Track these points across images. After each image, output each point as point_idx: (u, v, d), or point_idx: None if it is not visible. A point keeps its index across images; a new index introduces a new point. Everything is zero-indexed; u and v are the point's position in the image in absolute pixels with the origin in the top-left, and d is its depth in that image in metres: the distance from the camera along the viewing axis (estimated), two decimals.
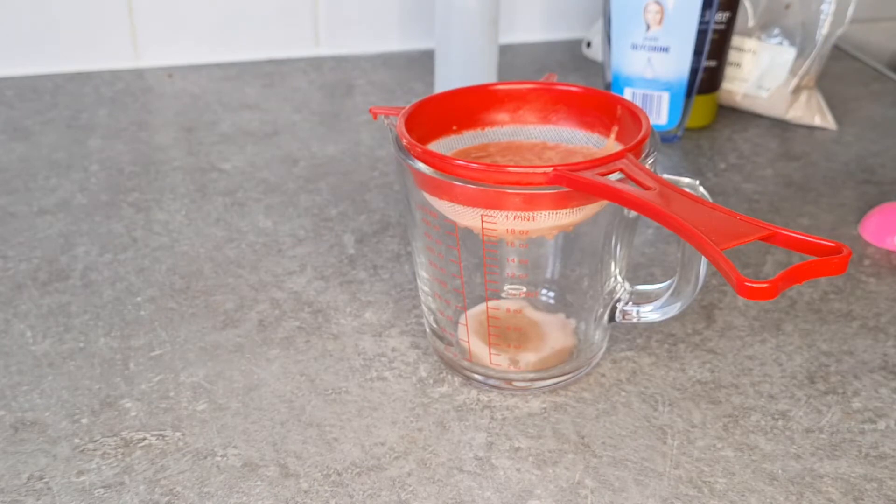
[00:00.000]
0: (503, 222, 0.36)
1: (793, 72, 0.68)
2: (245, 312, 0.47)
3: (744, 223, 0.32)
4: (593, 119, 0.42)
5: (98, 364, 0.43)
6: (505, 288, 0.43)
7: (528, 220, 0.36)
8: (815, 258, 0.31)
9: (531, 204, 0.35)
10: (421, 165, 0.37)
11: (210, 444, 0.38)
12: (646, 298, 0.41)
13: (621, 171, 0.35)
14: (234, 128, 0.68)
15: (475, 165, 0.35)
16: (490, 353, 0.41)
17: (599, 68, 0.80)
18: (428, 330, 0.44)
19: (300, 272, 0.50)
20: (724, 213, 0.33)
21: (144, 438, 0.39)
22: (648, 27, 0.62)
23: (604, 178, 0.34)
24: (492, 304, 0.41)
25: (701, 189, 0.36)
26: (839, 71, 0.79)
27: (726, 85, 0.70)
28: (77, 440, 0.38)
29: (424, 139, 0.41)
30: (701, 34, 0.63)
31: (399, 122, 0.39)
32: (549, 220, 0.36)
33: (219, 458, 0.38)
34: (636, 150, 0.37)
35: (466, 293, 0.41)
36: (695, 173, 0.62)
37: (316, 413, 0.40)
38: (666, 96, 0.64)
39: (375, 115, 0.41)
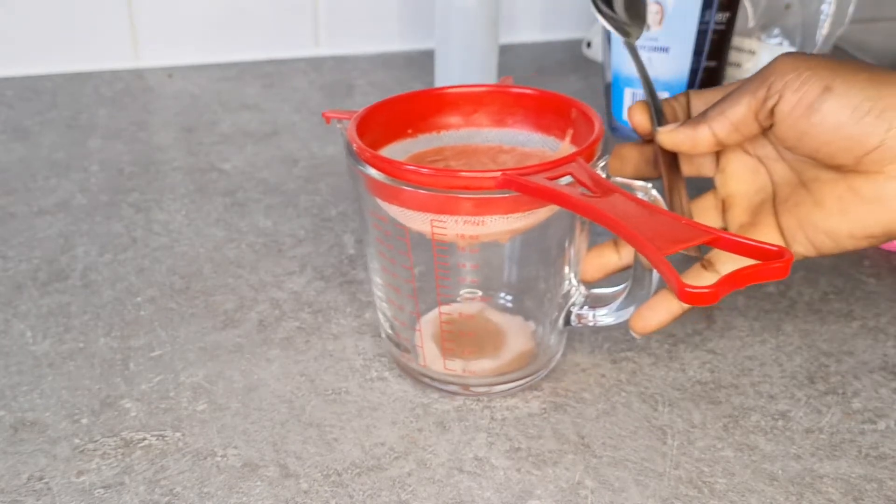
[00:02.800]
0: (453, 227, 0.36)
1: None
2: (245, 313, 0.47)
3: (688, 227, 0.32)
4: (549, 122, 0.42)
5: (98, 364, 0.43)
6: (461, 292, 0.42)
7: (478, 224, 0.36)
8: (757, 262, 0.31)
9: (480, 208, 0.35)
10: (370, 170, 0.36)
11: (210, 445, 0.38)
12: (601, 302, 0.41)
13: (571, 174, 0.35)
14: (234, 128, 0.68)
15: (424, 170, 0.35)
16: (444, 359, 0.41)
17: (599, 68, 0.80)
18: (384, 336, 0.43)
19: (300, 272, 0.50)
20: (670, 218, 0.32)
21: (144, 439, 0.39)
22: (648, 27, 0.62)
23: (551, 183, 0.34)
24: (446, 309, 0.41)
25: (653, 192, 0.36)
26: None
27: None
28: (77, 440, 0.38)
29: (378, 143, 0.40)
30: (701, 34, 0.63)
31: (350, 127, 0.38)
32: (500, 225, 0.36)
33: (219, 459, 0.38)
34: (587, 153, 0.36)
35: (422, 298, 0.41)
36: None
37: (316, 413, 0.40)
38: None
39: (328, 119, 0.41)
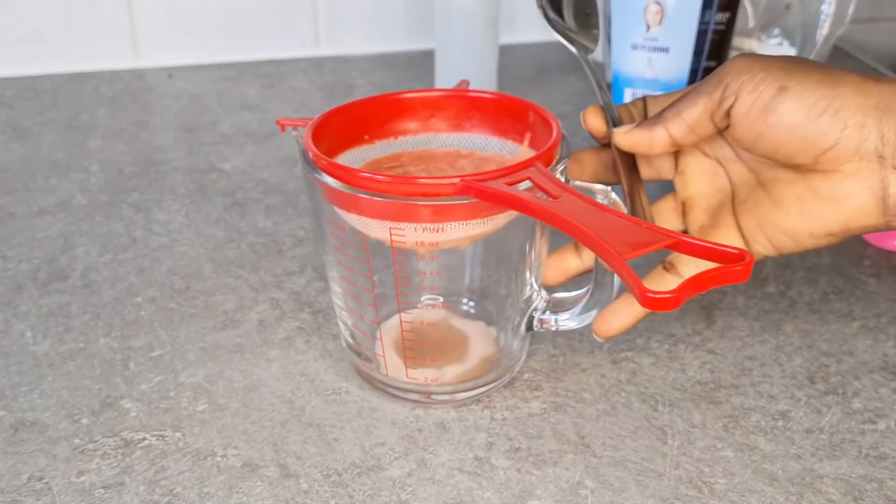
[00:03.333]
0: (412, 234, 0.36)
1: None
2: (245, 313, 0.47)
3: (648, 231, 0.32)
4: (507, 126, 0.42)
5: (98, 364, 0.43)
6: (422, 299, 0.42)
7: (437, 231, 0.35)
8: (718, 265, 0.31)
9: (439, 215, 0.35)
10: (328, 178, 0.36)
11: (210, 445, 0.38)
12: (563, 307, 0.41)
13: (529, 179, 0.35)
14: (234, 128, 0.68)
15: (381, 177, 0.34)
16: (406, 368, 0.40)
17: (600, 68, 0.80)
18: (344, 345, 0.43)
19: (300, 272, 0.50)
20: (630, 222, 0.32)
21: (144, 439, 0.39)
22: (648, 27, 0.62)
23: (510, 188, 0.34)
24: (407, 317, 0.40)
25: (613, 196, 0.36)
26: None
27: None
28: (77, 440, 0.38)
29: (335, 150, 0.40)
30: (701, 35, 0.63)
31: (306, 135, 0.38)
32: (459, 231, 0.36)
33: (219, 459, 0.38)
34: (546, 157, 0.36)
35: (382, 306, 0.40)
36: None
37: (316, 413, 0.40)
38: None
39: (283, 127, 0.40)
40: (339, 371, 0.43)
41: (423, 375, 0.40)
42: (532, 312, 0.41)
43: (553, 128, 0.38)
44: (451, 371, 0.41)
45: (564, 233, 0.33)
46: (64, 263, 0.51)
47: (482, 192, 0.34)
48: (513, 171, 0.35)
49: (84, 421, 0.40)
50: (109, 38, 0.77)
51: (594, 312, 0.39)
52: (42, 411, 0.40)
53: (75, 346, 0.44)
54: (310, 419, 0.40)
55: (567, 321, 0.40)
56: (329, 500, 0.36)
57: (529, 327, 0.41)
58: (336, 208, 0.37)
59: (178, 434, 0.39)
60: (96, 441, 0.38)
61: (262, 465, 0.37)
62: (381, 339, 0.41)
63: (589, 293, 0.39)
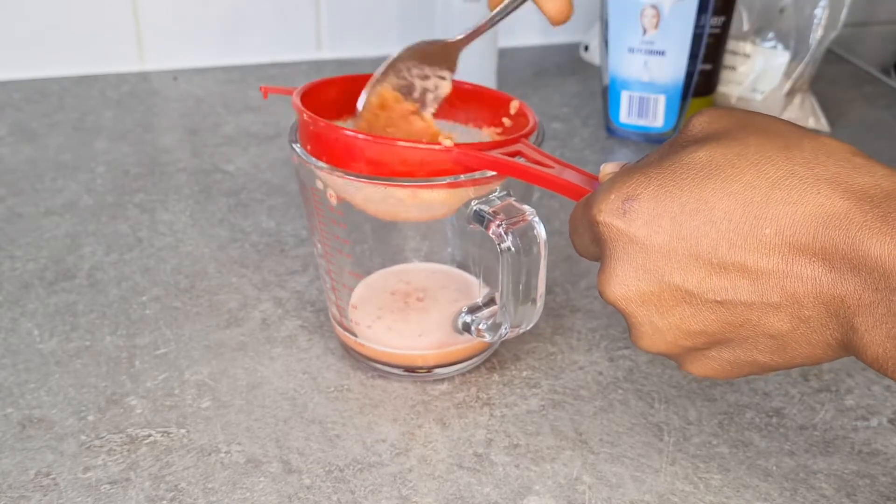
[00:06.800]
0: (391, 200, 0.37)
1: (787, 75, 0.68)
2: (248, 311, 0.48)
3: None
4: (481, 116, 0.43)
5: (104, 362, 0.44)
6: (407, 266, 0.43)
7: (413, 198, 0.37)
8: None
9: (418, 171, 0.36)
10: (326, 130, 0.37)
11: (214, 441, 0.39)
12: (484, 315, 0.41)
13: (520, 153, 0.37)
14: (238, 130, 0.69)
15: (376, 140, 0.36)
16: (389, 340, 0.41)
17: (597, 71, 0.81)
18: (331, 317, 0.44)
19: (302, 271, 0.51)
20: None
21: (150, 435, 0.39)
22: (645, 31, 0.63)
23: (509, 158, 0.36)
24: (394, 286, 0.41)
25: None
26: (832, 74, 0.80)
27: (722, 88, 0.71)
28: (83, 437, 0.39)
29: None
30: (696, 38, 0.63)
31: (295, 99, 0.39)
32: (437, 197, 0.37)
33: (223, 455, 0.38)
34: (527, 136, 0.38)
35: (365, 279, 0.42)
36: None
37: (318, 410, 0.41)
38: (662, 99, 0.65)
39: (266, 94, 0.41)
40: (341, 369, 0.43)
41: (405, 348, 0.41)
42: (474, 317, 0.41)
43: (530, 117, 0.40)
44: (431, 343, 0.41)
45: (565, 196, 0.35)
46: (70, 263, 0.52)
47: (482, 160, 0.36)
48: (504, 145, 0.37)
49: (90, 418, 0.40)
50: (115, 42, 0.78)
51: (503, 331, 0.38)
52: (49, 408, 0.41)
53: (82, 344, 0.45)
54: (312, 416, 0.40)
55: (484, 330, 0.40)
56: (331, 496, 0.36)
57: (468, 330, 0.41)
58: (319, 172, 0.38)
59: (182, 430, 0.39)
60: (102, 437, 0.39)
61: (265, 461, 0.38)
62: (363, 311, 0.42)
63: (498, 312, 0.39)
